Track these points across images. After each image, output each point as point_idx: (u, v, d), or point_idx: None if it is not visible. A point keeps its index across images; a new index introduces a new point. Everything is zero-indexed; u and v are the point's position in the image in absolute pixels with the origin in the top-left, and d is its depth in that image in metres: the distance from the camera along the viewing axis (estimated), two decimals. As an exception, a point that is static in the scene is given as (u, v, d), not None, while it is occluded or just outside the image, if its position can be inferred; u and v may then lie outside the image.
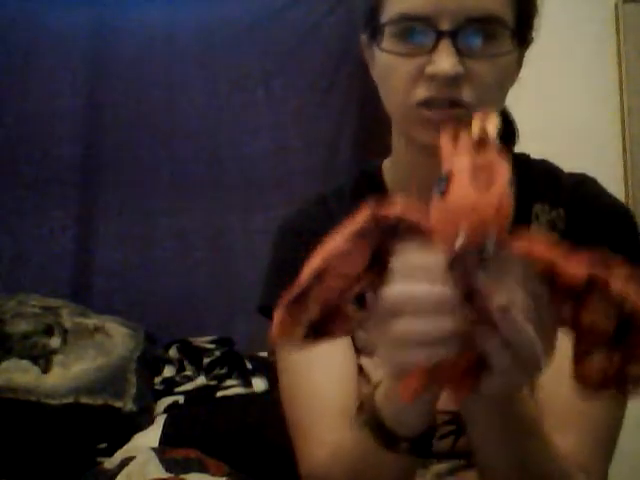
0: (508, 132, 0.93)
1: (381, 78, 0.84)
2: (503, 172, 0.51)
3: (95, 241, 2.03)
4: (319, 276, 0.54)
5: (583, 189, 0.88)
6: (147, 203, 2.04)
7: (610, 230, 0.84)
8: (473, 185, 0.50)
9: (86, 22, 2.06)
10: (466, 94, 0.77)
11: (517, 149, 0.93)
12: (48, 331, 1.64)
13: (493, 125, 0.55)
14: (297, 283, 0.55)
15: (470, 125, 0.55)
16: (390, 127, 0.90)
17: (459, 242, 0.49)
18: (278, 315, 0.56)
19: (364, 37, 0.89)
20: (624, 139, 2.09)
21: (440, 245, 0.52)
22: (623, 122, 2.09)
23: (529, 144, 0.94)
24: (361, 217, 0.54)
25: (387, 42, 0.80)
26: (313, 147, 2.04)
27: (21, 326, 1.63)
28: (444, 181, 0.52)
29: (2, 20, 2.06)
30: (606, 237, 0.83)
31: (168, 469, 1.20)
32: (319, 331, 0.57)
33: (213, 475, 1.21)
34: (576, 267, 0.52)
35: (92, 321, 1.72)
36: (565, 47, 2.01)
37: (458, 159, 0.53)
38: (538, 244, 0.53)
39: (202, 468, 1.22)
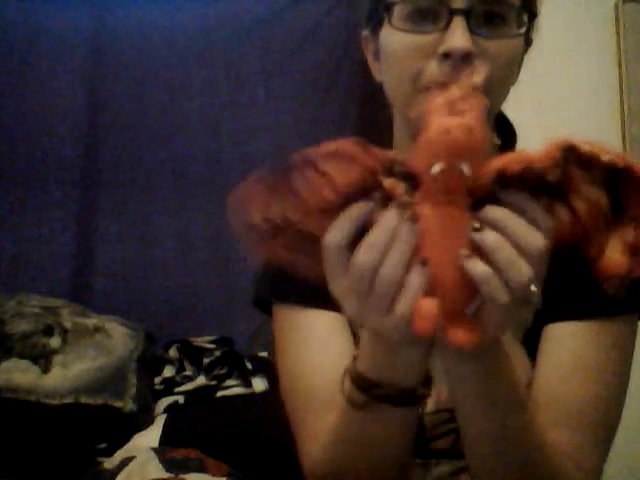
0: (507, 135, 0.93)
1: (388, 61, 0.83)
2: (477, 102, 0.54)
3: (95, 241, 2.03)
4: (308, 163, 0.54)
5: None
6: (147, 203, 2.04)
7: None
8: (448, 115, 0.53)
9: (86, 22, 2.06)
10: (477, 74, 0.76)
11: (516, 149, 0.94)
12: (48, 331, 1.64)
13: (480, 75, 0.59)
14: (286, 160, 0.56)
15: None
16: (389, 125, 0.89)
17: (436, 167, 0.52)
18: (259, 183, 0.55)
19: (365, 32, 0.88)
20: (624, 139, 2.09)
21: (421, 178, 0.54)
22: (623, 122, 2.09)
23: (529, 144, 0.94)
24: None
25: (397, 23, 0.79)
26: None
27: (21, 326, 1.63)
28: (423, 116, 0.55)
29: (2, 20, 2.05)
30: None
31: (168, 469, 1.20)
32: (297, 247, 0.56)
33: (213, 475, 1.21)
34: (546, 151, 0.54)
35: (92, 321, 1.72)
36: (565, 47, 2.01)
37: (436, 96, 0.56)
38: (510, 157, 0.55)
39: (202, 468, 1.21)
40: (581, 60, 2.08)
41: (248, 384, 1.67)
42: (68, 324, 1.68)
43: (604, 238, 0.55)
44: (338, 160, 0.53)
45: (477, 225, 0.54)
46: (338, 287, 0.58)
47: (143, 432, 1.52)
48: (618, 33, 2.10)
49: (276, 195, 0.54)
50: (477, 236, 0.54)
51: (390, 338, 0.62)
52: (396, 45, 0.80)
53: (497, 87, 0.80)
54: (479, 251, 0.54)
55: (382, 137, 0.97)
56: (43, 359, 1.59)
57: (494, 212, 0.55)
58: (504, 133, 0.92)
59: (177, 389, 1.68)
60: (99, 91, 2.06)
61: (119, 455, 1.35)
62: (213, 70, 2.08)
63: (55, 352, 1.61)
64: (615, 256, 0.55)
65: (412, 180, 0.55)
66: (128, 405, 1.57)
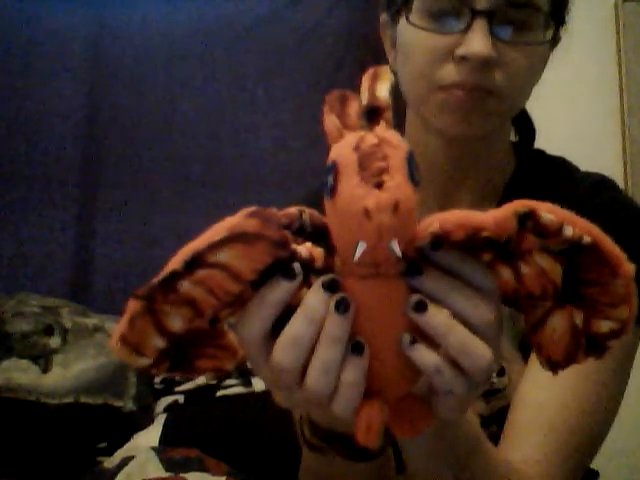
0: (526, 130, 0.92)
1: (404, 56, 0.79)
2: (397, 155, 0.42)
3: (95, 241, 2.03)
4: (194, 264, 0.42)
5: (597, 193, 0.83)
6: (147, 203, 2.04)
7: (621, 237, 0.79)
8: (362, 181, 0.41)
9: (86, 22, 2.06)
10: (496, 81, 0.73)
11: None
12: (48, 331, 1.64)
13: (385, 85, 0.47)
14: (164, 269, 0.42)
15: (359, 87, 0.47)
16: (401, 114, 0.87)
17: (357, 253, 0.41)
18: (130, 309, 0.42)
19: (384, 16, 0.84)
20: (624, 139, 2.09)
21: (341, 253, 0.44)
22: (623, 122, 2.09)
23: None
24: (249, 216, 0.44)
25: (416, 18, 0.75)
26: (313, 147, 2.04)
27: (21, 326, 1.63)
28: (329, 173, 0.44)
29: (2, 20, 2.06)
30: (619, 244, 0.79)
31: (168, 468, 1.20)
32: (182, 357, 0.45)
33: (213, 474, 1.21)
34: (497, 214, 0.44)
35: (92, 321, 1.72)
36: (565, 47, 2.01)
37: (342, 145, 0.45)
38: (452, 219, 0.44)
39: (202, 467, 1.21)
40: (581, 60, 2.07)
41: (248, 383, 1.67)
42: (68, 324, 1.68)
43: (549, 311, 0.46)
44: (234, 245, 0.42)
45: (416, 300, 0.44)
46: (265, 378, 0.48)
47: (143, 432, 1.52)
48: (618, 33, 2.10)
49: (167, 310, 0.42)
50: (421, 318, 0.43)
51: None
52: (413, 42, 0.76)
53: (516, 92, 0.77)
54: (422, 332, 0.44)
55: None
56: (43, 359, 1.59)
57: (432, 283, 0.44)
58: (523, 129, 0.91)
59: (177, 388, 1.68)
60: (99, 91, 2.06)
61: (119, 454, 1.35)
62: (213, 70, 2.08)
63: (55, 352, 1.61)
64: (555, 335, 0.46)
65: (328, 236, 0.44)
66: (128, 405, 1.57)
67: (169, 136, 2.06)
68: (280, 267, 0.43)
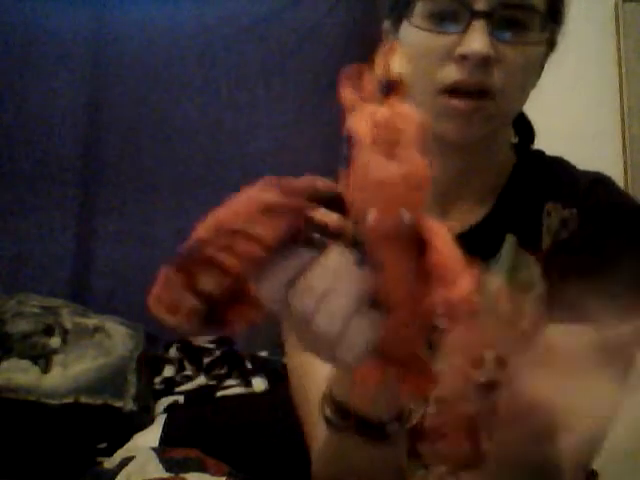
0: (525, 132, 0.92)
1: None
2: (409, 128, 0.45)
3: (95, 241, 2.03)
4: (222, 232, 0.46)
5: (597, 190, 0.84)
6: (147, 203, 2.04)
7: (622, 233, 0.80)
8: (376, 153, 0.43)
9: (86, 22, 2.06)
10: (495, 80, 0.75)
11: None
12: (48, 331, 1.64)
13: (400, 59, 0.48)
14: (193, 236, 0.46)
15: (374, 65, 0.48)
16: None
17: (369, 220, 0.44)
18: (162, 275, 0.46)
19: (387, 23, 0.86)
20: (624, 139, 2.09)
21: (354, 218, 0.46)
22: (623, 122, 2.09)
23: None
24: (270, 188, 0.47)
25: (417, 21, 0.78)
26: (313, 147, 2.04)
27: (21, 326, 1.63)
28: (345, 144, 0.45)
29: (2, 20, 2.06)
30: (618, 240, 0.80)
31: (168, 469, 1.20)
32: (215, 315, 0.47)
33: (213, 475, 1.21)
34: None
35: (92, 321, 1.72)
36: (565, 47, 2.01)
37: (358, 117, 0.45)
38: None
39: (202, 468, 1.21)
40: (581, 60, 2.08)
41: (248, 384, 1.67)
42: (68, 324, 1.68)
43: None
44: (256, 215, 0.45)
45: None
46: (288, 322, 0.51)
47: (143, 432, 1.52)
48: (618, 33, 2.11)
49: (197, 272, 0.46)
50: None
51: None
52: (414, 44, 0.79)
53: (514, 92, 0.79)
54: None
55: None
56: (43, 359, 1.59)
57: None
58: (522, 130, 0.92)
59: (177, 389, 1.68)
60: (99, 91, 2.06)
61: (119, 455, 1.35)
62: (213, 70, 2.08)
63: (55, 352, 1.61)
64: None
65: (342, 202, 0.46)
66: (128, 405, 1.57)
67: (169, 136, 2.06)
68: (299, 233, 0.46)
